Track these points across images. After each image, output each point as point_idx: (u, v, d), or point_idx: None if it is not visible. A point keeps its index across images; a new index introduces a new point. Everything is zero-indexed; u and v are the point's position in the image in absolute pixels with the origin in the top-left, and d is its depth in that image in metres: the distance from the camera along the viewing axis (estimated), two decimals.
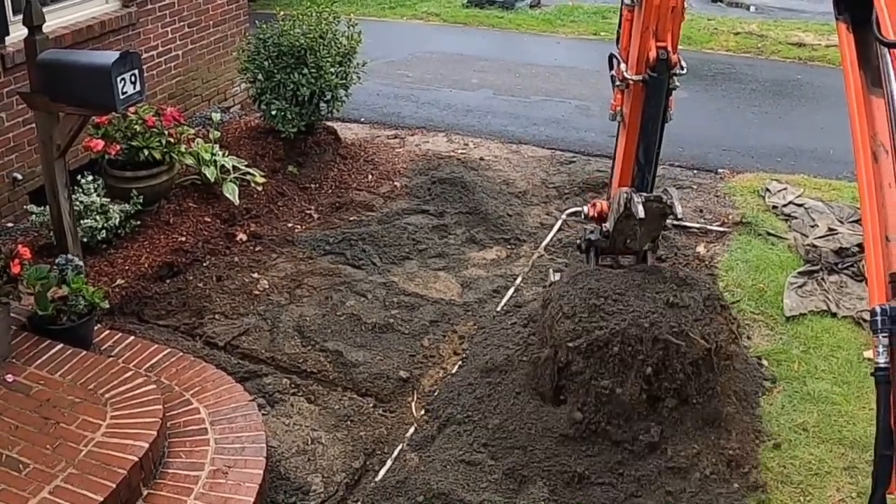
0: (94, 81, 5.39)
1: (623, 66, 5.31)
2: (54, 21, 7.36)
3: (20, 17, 6.83)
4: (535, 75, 12.34)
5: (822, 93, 11.65)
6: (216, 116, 8.66)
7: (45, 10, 6.67)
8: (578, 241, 5.99)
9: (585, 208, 5.95)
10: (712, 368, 5.10)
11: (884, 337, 2.83)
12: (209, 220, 7.37)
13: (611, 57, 5.57)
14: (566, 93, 11.61)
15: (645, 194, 5.12)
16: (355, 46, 8.63)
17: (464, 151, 9.44)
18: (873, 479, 3.14)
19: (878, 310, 2.84)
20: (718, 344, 5.11)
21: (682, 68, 4.99)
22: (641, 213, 4.93)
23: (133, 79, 5.45)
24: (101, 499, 4.23)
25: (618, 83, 5.45)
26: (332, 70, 8.34)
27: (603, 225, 5.67)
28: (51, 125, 5.82)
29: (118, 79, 5.33)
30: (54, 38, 6.96)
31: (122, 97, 5.38)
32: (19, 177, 7.18)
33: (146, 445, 4.56)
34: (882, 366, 2.88)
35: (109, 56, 5.42)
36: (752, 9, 16.41)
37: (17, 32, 6.86)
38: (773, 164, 9.24)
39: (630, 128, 5.34)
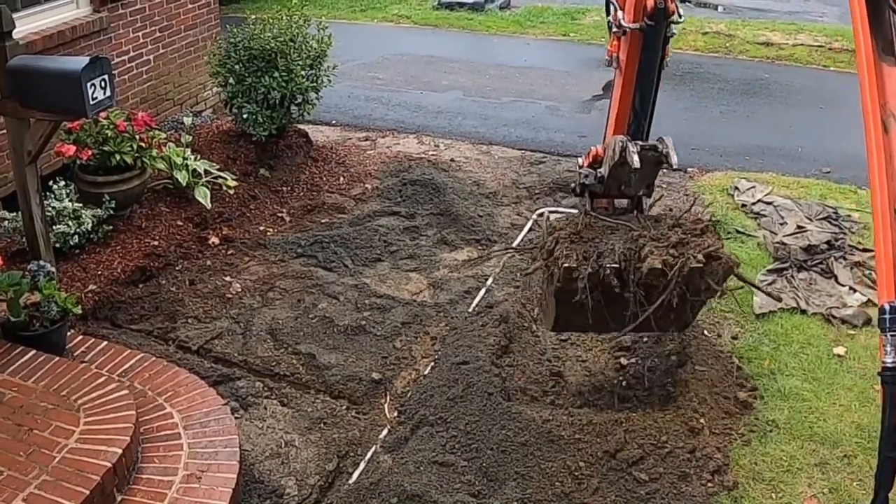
0: (64, 87, 5.39)
1: (620, 13, 5.27)
2: (25, 27, 7.30)
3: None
4: (505, 76, 12.39)
5: (790, 91, 11.77)
6: (188, 120, 8.66)
7: (15, 15, 6.67)
8: (573, 185, 5.90)
9: (580, 159, 5.96)
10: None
11: (892, 336, 2.77)
12: (181, 224, 7.38)
13: (608, 2, 5.47)
14: (536, 94, 11.67)
15: (640, 143, 5.18)
16: (326, 50, 8.65)
17: (434, 153, 9.48)
18: (876, 481, 3.12)
19: (886, 307, 2.78)
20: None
21: (679, 16, 5.05)
22: (637, 163, 5.00)
23: (103, 84, 5.46)
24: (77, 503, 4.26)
25: (615, 29, 5.39)
26: (302, 73, 8.37)
27: (598, 170, 5.62)
28: (22, 131, 5.81)
29: (88, 84, 5.34)
30: (25, 44, 6.91)
31: (92, 102, 5.39)
32: None
33: (120, 451, 4.59)
34: (890, 365, 2.81)
35: (79, 61, 5.43)
36: (720, 9, 16.54)
37: None
38: (742, 162, 9.33)
39: (626, 75, 5.37)
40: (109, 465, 4.49)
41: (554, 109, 11.13)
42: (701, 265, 4.97)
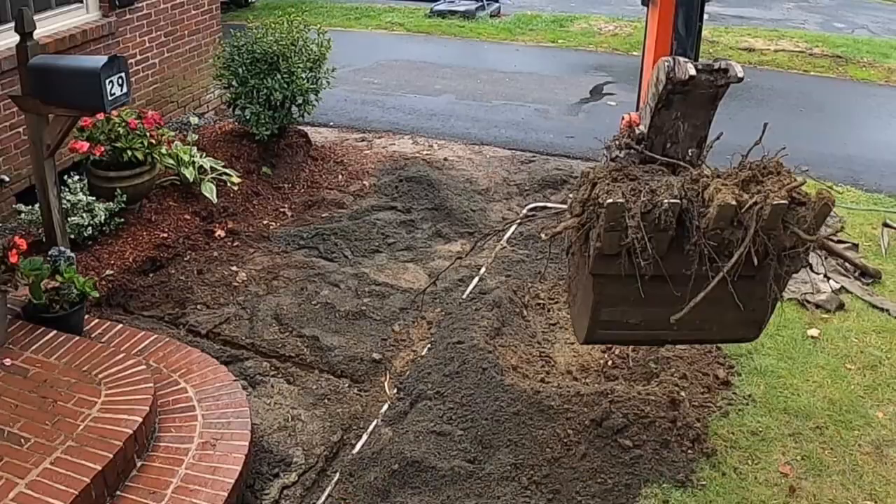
0: (83, 84, 5.74)
1: None
2: (38, 30, 7.64)
3: (5, 27, 7.23)
4: (496, 81, 12.80)
5: (770, 94, 12.18)
6: (194, 119, 9.03)
7: None
8: (608, 146, 4.80)
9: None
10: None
11: None
12: (188, 217, 7.72)
13: None
14: (525, 97, 12.07)
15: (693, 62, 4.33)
16: (325, 53, 9.03)
17: (429, 152, 9.86)
18: None
19: None
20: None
21: None
22: (692, 71, 4.22)
23: (120, 81, 5.82)
24: (100, 468, 4.56)
25: None
26: (303, 75, 8.74)
27: (637, 128, 4.72)
28: (41, 126, 6.16)
29: (106, 81, 5.69)
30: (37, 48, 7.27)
31: (110, 98, 5.74)
32: (6, 179, 7.47)
33: (139, 420, 4.92)
34: None
35: (98, 60, 5.79)
36: (704, 16, 16.95)
37: (5, 41, 7.19)
38: (724, 161, 9.58)
39: (665, 0, 4.90)
40: (130, 431, 4.81)
41: (543, 112, 11.53)
42: (785, 203, 4.05)
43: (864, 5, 19.71)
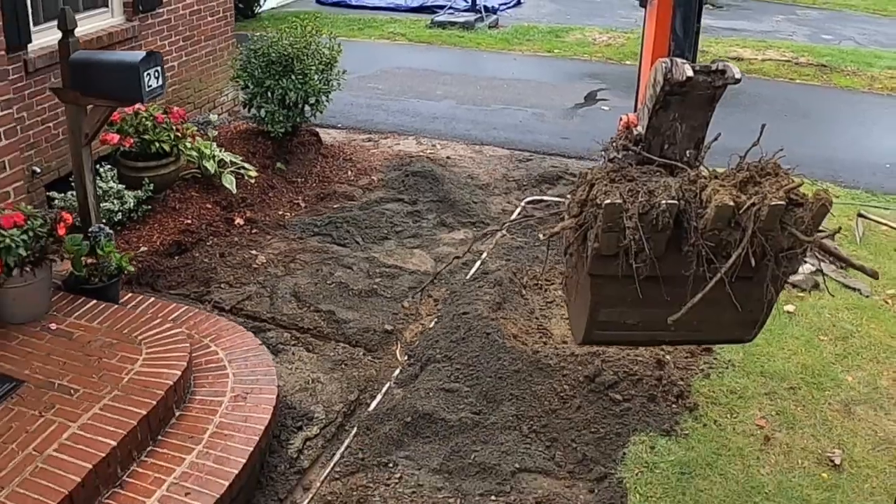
0: (123, 76, 6.29)
1: None
2: None
3: (41, 27, 7.79)
4: (495, 87, 13.41)
5: (756, 101, 12.75)
6: (214, 117, 9.62)
7: (54, 23, 7.64)
8: (606, 148, 4.78)
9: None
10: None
11: None
12: (210, 206, 8.28)
13: None
14: (523, 102, 12.69)
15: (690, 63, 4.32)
16: (336, 56, 9.63)
17: (432, 151, 10.44)
18: None
19: None
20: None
21: None
22: (689, 73, 4.19)
23: (156, 74, 6.37)
24: (145, 412, 5.09)
25: None
26: (316, 77, 9.33)
27: (634, 129, 4.72)
28: (79, 116, 6.70)
29: (145, 73, 6.24)
30: None
31: (147, 90, 6.29)
32: (38, 170, 8.01)
33: (178, 373, 5.45)
34: None
35: (136, 54, 6.35)
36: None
37: (39, 41, 7.75)
38: (712, 161, 10.20)
39: (662, 1, 4.96)
40: (171, 383, 5.35)
41: (539, 115, 12.14)
42: (783, 204, 4.01)
43: (852, 18, 20.35)
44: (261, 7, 17.62)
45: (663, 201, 4.01)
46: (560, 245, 6.12)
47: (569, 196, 4.49)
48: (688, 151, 4.58)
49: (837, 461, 5.57)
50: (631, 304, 4.23)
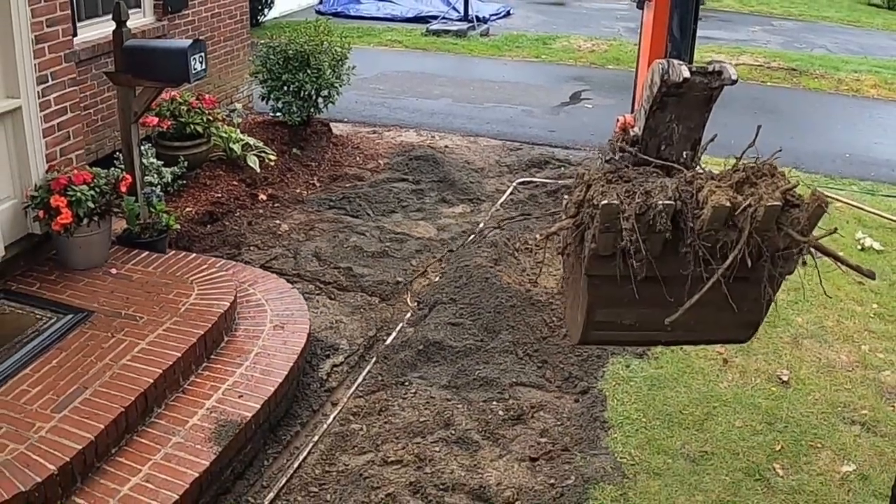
0: (172, 61, 7.26)
1: None
2: (103, 30, 9.08)
3: (83, 23, 8.78)
4: (487, 88, 14.51)
5: (729, 101, 13.55)
6: (238, 105, 10.64)
7: (96, 19, 8.74)
8: (602, 149, 4.79)
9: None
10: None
11: None
12: (236, 184, 9.28)
13: None
14: (513, 101, 13.79)
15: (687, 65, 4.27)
16: (346, 53, 10.68)
17: (431, 142, 11.51)
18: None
19: None
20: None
21: None
22: (686, 74, 4.16)
23: (201, 59, 7.36)
24: (202, 332, 6.06)
25: None
26: (328, 71, 10.36)
27: (631, 130, 4.69)
28: (129, 97, 7.67)
29: (191, 58, 7.23)
30: (105, 44, 8.72)
31: (194, 72, 7.27)
32: None
33: (227, 304, 6.43)
34: None
35: (184, 42, 7.36)
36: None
37: (82, 36, 8.72)
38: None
39: (659, 3, 5.06)
40: (222, 311, 6.33)
41: (528, 112, 13.24)
42: (779, 204, 3.97)
43: (826, 29, 21.48)
44: (265, 17, 18.70)
45: (660, 202, 3.98)
46: (547, 219, 7.00)
47: (566, 197, 4.49)
48: (685, 152, 4.58)
49: (785, 379, 6.60)
50: (628, 304, 4.20)
